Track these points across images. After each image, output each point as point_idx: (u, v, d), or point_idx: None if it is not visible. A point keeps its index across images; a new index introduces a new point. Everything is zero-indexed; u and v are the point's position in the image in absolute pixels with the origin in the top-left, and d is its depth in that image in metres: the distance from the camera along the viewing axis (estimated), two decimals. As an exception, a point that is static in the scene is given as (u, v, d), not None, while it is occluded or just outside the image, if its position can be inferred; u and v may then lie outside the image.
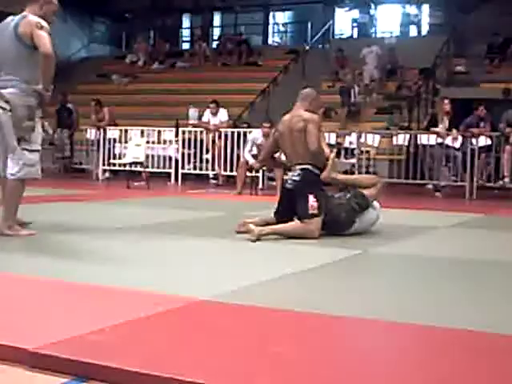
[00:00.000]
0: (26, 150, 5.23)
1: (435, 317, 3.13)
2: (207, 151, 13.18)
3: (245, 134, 12.30)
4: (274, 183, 10.87)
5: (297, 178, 5.80)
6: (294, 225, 5.69)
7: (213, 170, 13.16)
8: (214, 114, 13.16)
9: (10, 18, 5.28)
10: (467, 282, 4.14)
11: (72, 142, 14.96)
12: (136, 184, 11.98)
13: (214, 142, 13.04)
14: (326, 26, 21.54)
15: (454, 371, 2.39)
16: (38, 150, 5.33)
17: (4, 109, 5.18)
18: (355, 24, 22.64)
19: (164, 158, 13.50)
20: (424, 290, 3.80)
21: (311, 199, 5.67)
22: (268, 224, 5.73)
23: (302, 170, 5.81)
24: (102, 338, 2.61)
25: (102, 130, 13.93)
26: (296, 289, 3.80)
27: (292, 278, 4.02)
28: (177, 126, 13.63)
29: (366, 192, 5.96)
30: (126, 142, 13.30)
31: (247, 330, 2.88)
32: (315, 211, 5.67)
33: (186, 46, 24.86)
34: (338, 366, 2.44)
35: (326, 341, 2.78)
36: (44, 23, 5.18)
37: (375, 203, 6.03)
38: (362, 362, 2.51)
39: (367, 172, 12.14)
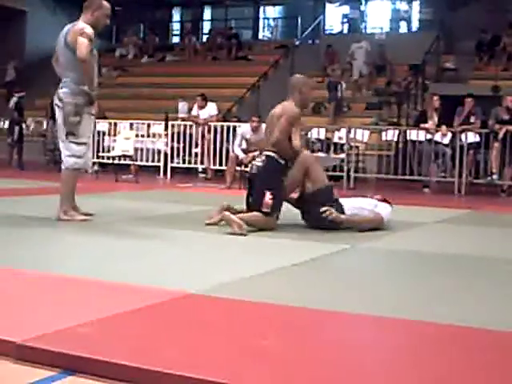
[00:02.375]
0: (74, 142, 5.79)
1: (430, 313, 3.12)
2: (196, 145, 13.15)
3: (234, 128, 12.29)
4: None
5: (260, 164, 5.77)
6: (256, 215, 5.60)
7: (202, 163, 13.15)
8: (202, 107, 13.11)
9: (67, 26, 5.86)
10: (457, 277, 4.13)
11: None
12: (124, 177, 11.94)
13: (203, 135, 13.01)
14: (317, 22, 21.55)
15: (452, 365, 2.39)
16: (85, 143, 5.89)
17: (59, 106, 5.83)
18: (345, 19, 22.67)
19: (153, 151, 13.47)
20: (415, 286, 3.80)
21: (267, 196, 5.60)
22: (228, 209, 5.70)
23: (266, 156, 5.77)
24: (90, 330, 2.61)
25: (91, 123, 13.86)
26: (284, 283, 3.79)
27: (280, 272, 4.02)
28: (166, 120, 13.60)
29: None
30: (114, 135, 13.25)
31: (235, 324, 2.87)
32: (268, 210, 5.60)
33: (175, 39, 24.84)
34: (329, 363, 2.43)
35: (317, 336, 2.77)
36: (88, 29, 5.72)
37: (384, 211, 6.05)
38: (354, 359, 2.50)
39: (356, 168, 12.16)
